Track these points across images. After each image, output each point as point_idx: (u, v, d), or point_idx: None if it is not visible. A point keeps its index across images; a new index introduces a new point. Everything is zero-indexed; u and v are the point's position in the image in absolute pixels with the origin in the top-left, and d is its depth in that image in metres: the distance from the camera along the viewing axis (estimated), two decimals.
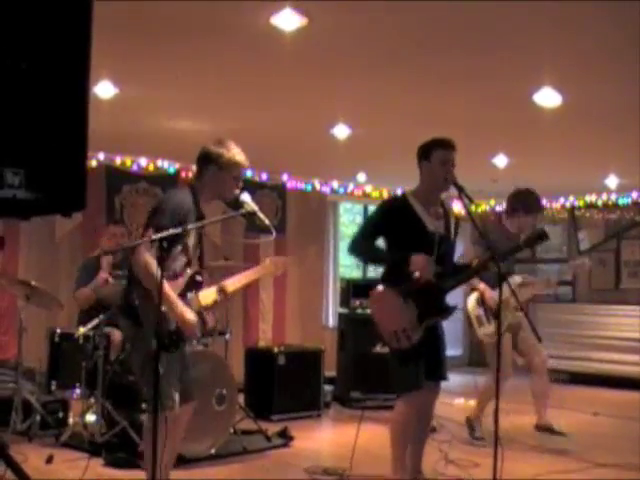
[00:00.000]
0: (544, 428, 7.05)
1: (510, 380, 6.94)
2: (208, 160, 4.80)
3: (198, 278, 4.79)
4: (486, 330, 6.87)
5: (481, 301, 6.89)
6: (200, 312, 4.73)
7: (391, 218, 5.19)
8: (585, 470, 6.30)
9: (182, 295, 4.64)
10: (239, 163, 4.82)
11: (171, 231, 4.30)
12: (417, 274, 4.95)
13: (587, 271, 7.19)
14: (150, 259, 4.38)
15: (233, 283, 5.00)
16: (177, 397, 4.59)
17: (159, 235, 4.20)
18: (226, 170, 4.78)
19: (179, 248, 4.59)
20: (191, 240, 4.68)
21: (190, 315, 4.58)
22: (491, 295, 6.77)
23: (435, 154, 5.18)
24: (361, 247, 5.25)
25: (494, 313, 6.70)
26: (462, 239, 13.27)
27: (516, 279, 6.90)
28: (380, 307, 5.19)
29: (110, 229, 7.50)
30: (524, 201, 7.02)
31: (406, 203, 5.22)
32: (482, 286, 6.81)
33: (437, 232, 5.20)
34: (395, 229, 5.14)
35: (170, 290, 4.45)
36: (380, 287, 5.19)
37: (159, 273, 4.18)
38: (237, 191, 4.85)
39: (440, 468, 6.09)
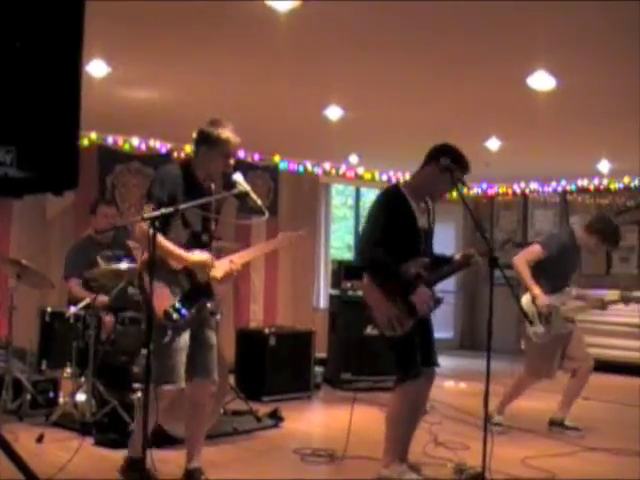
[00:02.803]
0: (557, 422, 7.05)
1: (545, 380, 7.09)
2: (200, 140, 4.93)
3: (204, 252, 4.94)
4: (536, 329, 6.82)
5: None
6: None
7: (392, 214, 5.19)
8: (575, 454, 6.34)
9: None
10: (227, 140, 4.87)
11: (162, 210, 4.43)
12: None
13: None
14: (147, 229, 4.53)
15: (242, 256, 5.10)
16: (181, 374, 4.78)
17: (155, 213, 4.41)
18: (215, 148, 4.87)
19: (177, 220, 4.75)
20: (191, 215, 4.80)
21: (197, 255, 4.76)
22: (542, 300, 6.73)
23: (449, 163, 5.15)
24: (378, 259, 5.15)
25: (544, 316, 6.74)
26: (453, 225, 13.35)
27: (573, 292, 7.02)
28: (374, 294, 5.21)
29: (102, 209, 7.45)
30: (605, 230, 7.00)
31: (403, 198, 5.26)
32: (537, 291, 6.71)
33: (423, 228, 5.31)
34: (391, 224, 5.15)
35: (167, 242, 4.66)
36: (371, 276, 5.24)
37: (159, 238, 4.45)
38: (228, 169, 4.94)
39: (430, 450, 6.12)
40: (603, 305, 7.20)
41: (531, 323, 6.69)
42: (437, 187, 5.31)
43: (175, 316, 4.70)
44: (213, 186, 5.00)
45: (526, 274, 6.74)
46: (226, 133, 4.85)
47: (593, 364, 7.12)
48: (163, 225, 4.56)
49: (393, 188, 5.44)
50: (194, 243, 4.85)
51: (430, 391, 5.52)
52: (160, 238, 4.51)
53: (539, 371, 7.04)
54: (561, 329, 6.91)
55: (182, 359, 4.76)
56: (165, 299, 4.69)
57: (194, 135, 4.94)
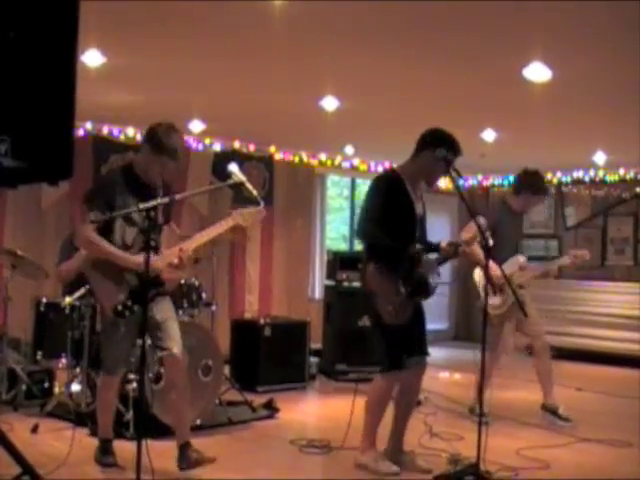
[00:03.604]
0: (550, 409, 7.06)
1: (505, 356, 7.13)
2: (146, 138, 4.94)
3: (152, 244, 4.89)
4: (493, 301, 6.81)
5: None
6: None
7: (390, 196, 5.24)
8: (568, 445, 6.35)
9: None
10: (174, 150, 4.86)
11: (115, 213, 4.68)
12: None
13: (585, 261, 7.25)
14: (89, 233, 4.81)
15: (192, 242, 5.07)
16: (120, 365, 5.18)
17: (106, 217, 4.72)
18: (155, 155, 4.87)
19: (119, 222, 4.86)
20: (136, 213, 4.80)
21: (138, 258, 4.73)
22: (496, 272, 6.73)
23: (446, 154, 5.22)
24: (375, 234, 5.23)
25: (497, 287, 6.74)
26: (448, 217, 13.32)
27: (520, 259, 7.04)
28: (380, 282, 5.23)
29: None
30: (532, 182, 7.08)
31: (401, 183, 5.30)
32: (492, 265, 6.73)
33: (419, 214, 5.37)
34: (390, 207, 5.20)
35: (110, 246, 4.82)
36: (375, 263, 5.26)
37: (102, 242, 4.78)
38: (159, 180, 4.97)
39: (425, 441, 6.13)
40: (549, 273, 7.38)
41: (487, 295, 6.75)
42: (433, 174, 5.37)
43: (127, 313, 4.84)
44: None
45: (476, 250, 6.73)
46: (173, 146, 4.85)
47: (546, 341, 7.15)
48: (105, 229, 4.79)
49: (392, 173, 5.50)
50: (142, 241, 4.84)
51: (422, 379, 5.59)
52: (103, 243, 4.77)
53: (503, 343, 7.07)
54: (514, 297, 6.92)
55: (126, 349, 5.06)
56: (112, 296, 4.84)
57: (145, 130, 4.96)
